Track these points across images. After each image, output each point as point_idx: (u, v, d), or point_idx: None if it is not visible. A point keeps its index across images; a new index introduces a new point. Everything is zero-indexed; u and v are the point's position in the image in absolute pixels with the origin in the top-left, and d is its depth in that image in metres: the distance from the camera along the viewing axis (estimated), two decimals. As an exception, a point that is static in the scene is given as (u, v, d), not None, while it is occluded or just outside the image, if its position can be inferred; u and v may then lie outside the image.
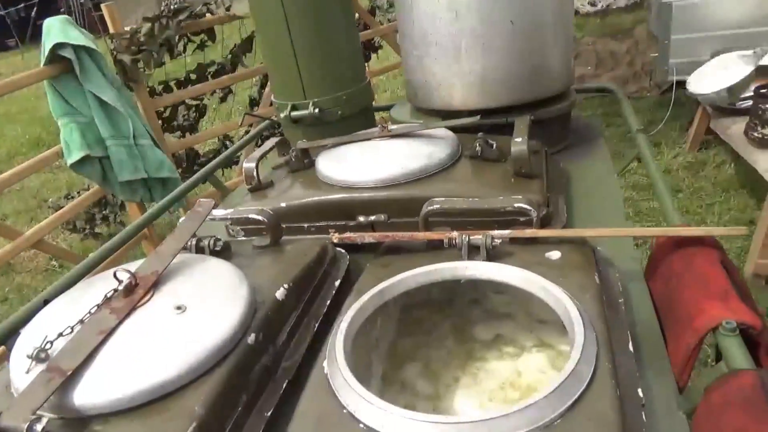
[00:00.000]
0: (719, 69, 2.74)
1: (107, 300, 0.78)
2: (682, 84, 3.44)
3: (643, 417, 0.65)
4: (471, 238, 0.86)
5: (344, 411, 0.63)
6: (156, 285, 0.82)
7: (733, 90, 2.60)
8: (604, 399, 0.60)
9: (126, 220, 3.76)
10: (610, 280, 0.89)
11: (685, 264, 0.81)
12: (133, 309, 0.77)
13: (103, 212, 3.75)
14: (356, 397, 0.62)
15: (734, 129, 2.71)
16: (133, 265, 0.87)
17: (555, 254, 0.85)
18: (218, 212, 1.06)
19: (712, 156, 3.70)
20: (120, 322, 0.75)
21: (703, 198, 3.30)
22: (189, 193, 1.62)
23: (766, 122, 2.38)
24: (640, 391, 0.68)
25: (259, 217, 1.02)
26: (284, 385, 0.79)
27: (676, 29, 3.63)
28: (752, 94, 2.59)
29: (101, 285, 0.81)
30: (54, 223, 2.87)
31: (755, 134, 2.44)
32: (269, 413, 0.75)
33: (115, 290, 0.79)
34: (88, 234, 3.87)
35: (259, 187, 1.26)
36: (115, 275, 0.79)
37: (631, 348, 0.75)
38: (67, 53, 2.48)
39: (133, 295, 0.78)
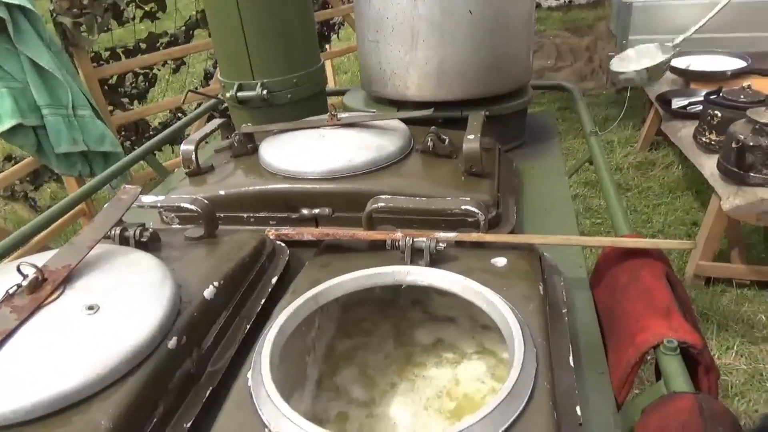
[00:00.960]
0: (641, 56, 2.93)
1: (8, 297, 0.70)
2: (637, 84, 3.50)
3: (580, 438, 0.63)
4: (415, 240, 0.82)
5: (266, 430, 0.58)
6: (67, 281, 0.74)
7: (651, 72, 2.78)
8: (541, 422, 0.57)
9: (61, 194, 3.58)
10: (555, 288, 0.86)
11: (631, 277, 0.79)
12: (38, 308, 0.69)
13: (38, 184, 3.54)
14: (279, 416, 0.57)
15: (684, 132, 2.76)
16: (45, 257, 0.79)
17: (501, 261, 0.82)
18: (147, 199, 0.98)
19: (662, 157, 3.79)
20: (21, 323, 0.67)
21: (651, 198, 3.38)
22: (134, 168, 1.53)
23: (714, 128, 2.44)
24: (578, 408, 0.66)
25: (192, 207, 0.95)
26: (207, 393, 0.73)
27: (635, 30, 3.69)
28: (702, 99, 2.65)
29: (3, 279, 0.73)
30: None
31: (703, 139, 2.49)
32: (189, 424, 0.69)
33: (19, 285, 0.71)
34: (29, 200, 3.66)
35: (197, 172, 1.18)
36: (18, 269, 0.71)
37: (571, 362, 0.72)
38: (0, 12, 2.30)
39: (39, 291, 0.71)
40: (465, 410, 0.81)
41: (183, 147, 1.16)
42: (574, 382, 0.69)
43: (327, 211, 1.06)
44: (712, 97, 2.49)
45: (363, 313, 0.97)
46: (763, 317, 2.40)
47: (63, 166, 2.66)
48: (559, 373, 0.68)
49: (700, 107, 2.64)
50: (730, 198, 2.21)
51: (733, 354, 2.24)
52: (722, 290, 2.57)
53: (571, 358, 0.72)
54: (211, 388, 0.74)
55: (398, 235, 0.84)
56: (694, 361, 0.68)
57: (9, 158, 3.45)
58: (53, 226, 1.22)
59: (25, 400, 0.60)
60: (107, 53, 3.31)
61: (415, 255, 0.83)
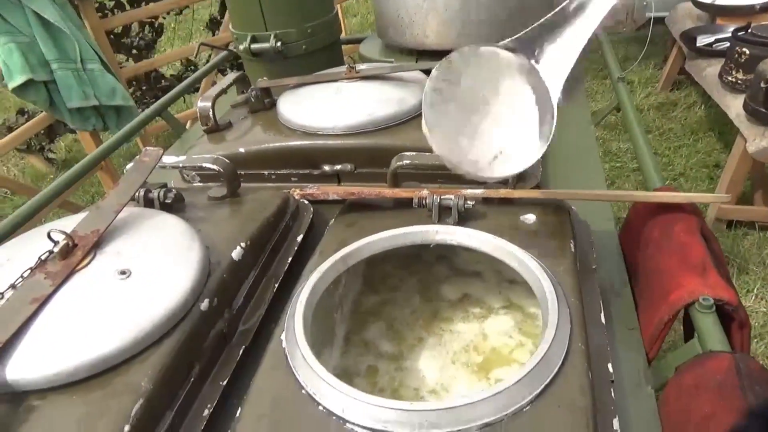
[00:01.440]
0: None
1: (41, 263, 0.70)
2: (659, 21, 3.35)
3: (612, 394, 0.63)
4: (442, 198, 0.81)
5: (303, 392, 0.59)
6: (97, 246, 0.74)
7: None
8: (575, 383, 0.57)
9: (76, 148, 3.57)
10: (584, 244, 0.85)
11: (664, 232, 0.77)
12: (71, 274, 0.70)
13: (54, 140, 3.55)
14: (316, 379, 0.58)
15: (709, 71, 2.67)
16: (72, 221, 0.79)
17: (530, 218, 0.81)
18: (169, 159, 0.97)
19: (684, 97, 3.68)
20: (56, 289, 0.68)
21: (672, 140, 3.30)
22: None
23: (741, 66, 2.34)
24: (610, 366, 0.66)
25: (214, 166, 0.94)
26: (241, 352, 0.74)
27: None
28: (729, 35, 2.54)
29: (34, 244, 0.74)
30: (6, 146, 2.69)
31: (729, 78, 2.40)
32: (224, 382, 0.70)
33: (50, 252, 0.71)
34: (45, 153, 3.67)
35: (215, 129, 1.17)
36: (49, 235, 0.71)
37: (603, 319, 0.72)
38: (2, -36, 2.23)
39: (70, 257, 0.71)
40: (493, 364, 0.82)
41: (200, 104, 1.14)
42: (606, 339, 0.69)
43: (349, 167, 1.05)
44: (739, 33, 2.38)
45: (389, 269, 0.97)
46: (784, 260, 2.39)
47: (77, 120, 2.64)
48: (590, 331, 0.67)
49: (727, 44, 2.53)
50: (756, 140, 2.15)
51: (753, 297, 2.24)
52: (744, 233, 2.54)
53: (602, 315, 0.72)
54: (243, 346, 0.75)
55: (425, 192, 0.83)
56: (728, 317, 0.68)
57: (22, 112, 3.44)
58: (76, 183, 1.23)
59: (67, 363, 0.61)
60: (111, 3, 3.22)
61: (443, 213, 0.82)
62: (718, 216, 2.52)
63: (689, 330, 0.75)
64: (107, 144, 1.30)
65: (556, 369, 0.57)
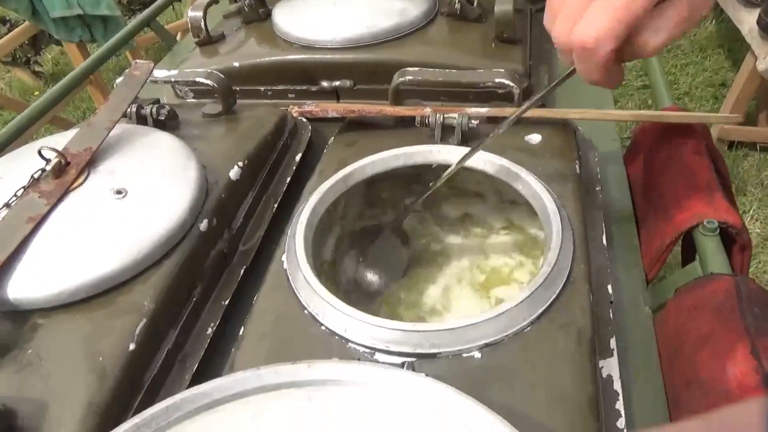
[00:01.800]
0: None
1: (34, 182, 0.69)
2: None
3: (611, 314, 0.64)
4: (445, 117, 0.78)
5: (305, 312, 0.59)
6: (90, 164, 0.72)
7: None
8: (576, 304, 0.57)
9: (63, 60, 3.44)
10: (589, 164, 0.84)
11: (671, 153, 0.76)
12: (66, 193, 0.68)
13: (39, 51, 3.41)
14: (318, 300, 0.58)
15: (724, -18, 2.54)
16: (63, 138, 0.77)
17: (535, 137, 0.78)
18: (160, 73, 0.93)
19: (695, 10, 3.52)
20: (51, 208, 0.67)
21: (679, 57, 3.20)
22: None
23: (760, -22, 2.22)
24: (609, 287, 0.66)
25: (208, 82, 0.90)
26: (242, 272, 0.75)
27: None
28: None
29: (26, 162, 0.72)
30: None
31: (746, -9, 2.29)
32: (226, 302, 0.71)
33: (43, 170, 0.69)
34: (32, 65, 3.54)
35: (208, 41, 1.11)
36: (40, 153, 0.69)
37: (604, 241, 0.72)
38: None
39: (64, 176, 0.69)
40: (493, 283, 0.83)
41: (191, 14, 1.08)
42: (607, 260, 0.69)
43: (348, 83, 1.01)
44: (762, -58, 2.24)
45: (388, 188, 0.96)
46: (782, 181, 2.39)
47: (62, 31, 2.53)
48: (592, 253, 0.67)
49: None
50: (767, 57, 2.08)
51: (749, 218, 2.26)
52: (745, 154, 2.53)
53: (604, 237, 0.72)
54: (244, 267, 0.75)
55: (427, 111, 0.80)
56: (730, 239, 0.67)
57: (3, 21, 3.29)
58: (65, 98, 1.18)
59: (69, 282, 0.61)
60: None
61: (446, 132, 0.79)
62: (720, 136, 2.49)
63: (689, 252, 0.75)
64: (95, 56, 1.24)
65: (558, 290, 0.57)
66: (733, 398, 0.49)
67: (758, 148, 2.53)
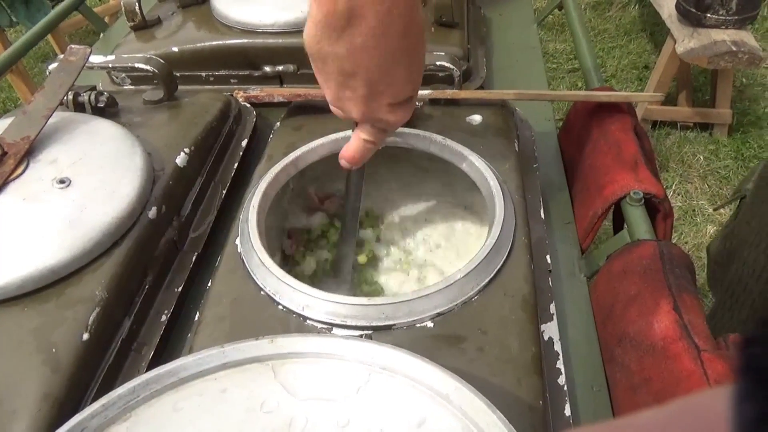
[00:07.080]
0: None
1: (-30, 173, 0.66)
2: None
3: (549, 282, 0.69)
4: (390, 99, 0.80)
5: (261, 293, 0.61)
6: (29, 154, 0.70)
7: None
8: (519, 273, 0.62)
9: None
10: (526, 143, 0.88)
11: (601, 130, 0.81)
12: (5, 184, 0.66)
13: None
14: (274, 280, 0.60)
15: (645, -31, 2.68)
16: (-3, 128, 0.74)
17: (476, 118, 0.82)
18: (96, 59, 0.90)
19: (619, -5, 3.70)
20: (-9, 200, 0.65)
21: (606, 40, 3.35)
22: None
23: (677, -35, 2.36)
24: (548, 257, 0.71)
25: (148, 67, 0.88)
26: (194, 259, 0.75)
27: None
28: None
29: (-41, 154, 0.69)
30: None
31: (664, -23, 2.43)
32: (179, 289, 0.71)
33: (-22, 161, 0.67)
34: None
35: (143, 26, 1.08)
36: (-26, 144, 0.67)
37: (542, 215, 0.77)
38: None
39: (2, 166, 0.67)
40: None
41: (125, -3, 1.05)
42: (545, 233, 0.74)
43: (291, 68, 1.01)
44: (678, -70, 2.38)
45: (336, 170, 0.97)
46: (701, 157, 2.56)
47: (-23, 15, 2.37)
48: (532, 226, 0.72)
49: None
50: (685, 41, 2.22)
51: (671, 192, 2.41)
52: (666, 133, 2.69)
53: (542, 210, 0.77)
54: (195, 253, 0.76)
55: (372, 94, 0.82)
56: (654, 209, 0.73)
57: None
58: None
59: (15, 274, 0.60)
60: None
61: (391, 114, 0.81)
62: (644, 116, 2.64)
63: (619, 223, 0.81)
64: (22, 41, 1.18)
65: (502, 261, 0.61)
66: (658, 349, 0.55)
67: (679, 126, 2.69)
